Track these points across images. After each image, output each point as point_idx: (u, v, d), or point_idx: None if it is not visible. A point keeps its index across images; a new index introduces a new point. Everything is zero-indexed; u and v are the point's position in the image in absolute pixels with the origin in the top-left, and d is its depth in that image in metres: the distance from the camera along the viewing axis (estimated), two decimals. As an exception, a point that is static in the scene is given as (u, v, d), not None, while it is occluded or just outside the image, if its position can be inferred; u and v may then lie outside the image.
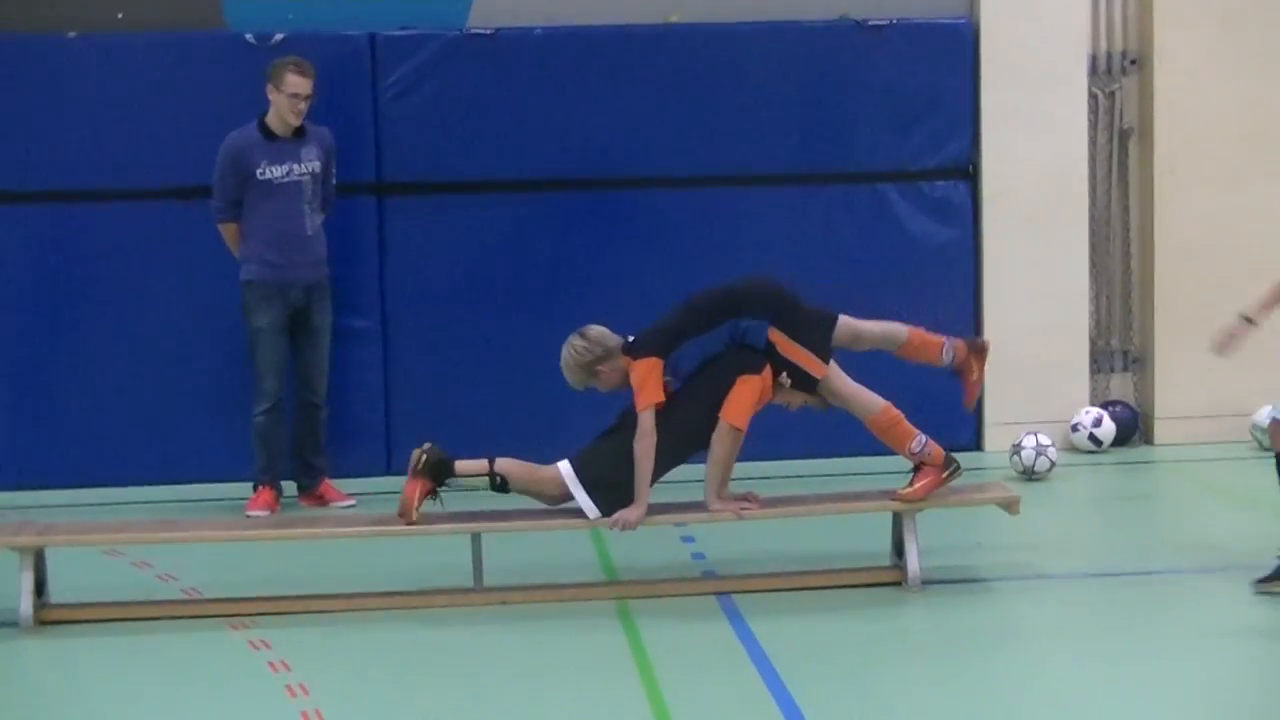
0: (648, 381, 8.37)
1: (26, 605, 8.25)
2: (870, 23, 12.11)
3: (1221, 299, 9.05)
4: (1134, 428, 12.31)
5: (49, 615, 8.36)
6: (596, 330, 8.60)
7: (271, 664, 7.57)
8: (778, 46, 12.14)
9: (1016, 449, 11.21)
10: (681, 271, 11.01)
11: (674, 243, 12.02)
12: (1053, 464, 11.21)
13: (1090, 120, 12.35)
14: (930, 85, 12.20)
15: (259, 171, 10.43)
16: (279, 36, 11.67)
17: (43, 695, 7.58)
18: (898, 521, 8.67)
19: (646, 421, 8.36)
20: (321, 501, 10.88)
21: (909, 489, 8.57)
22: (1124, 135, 12.47)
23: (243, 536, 9.46)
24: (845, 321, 8.64)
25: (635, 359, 8.43)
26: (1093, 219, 12.41)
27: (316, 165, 10.61)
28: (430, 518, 9.22)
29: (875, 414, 8.61)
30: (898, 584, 8.53)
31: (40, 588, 8.39)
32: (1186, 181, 11.91)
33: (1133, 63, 12.37)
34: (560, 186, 12.13)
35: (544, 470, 8.61)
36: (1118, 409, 12.24)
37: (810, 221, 12.14)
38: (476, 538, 8.67)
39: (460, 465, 8.62)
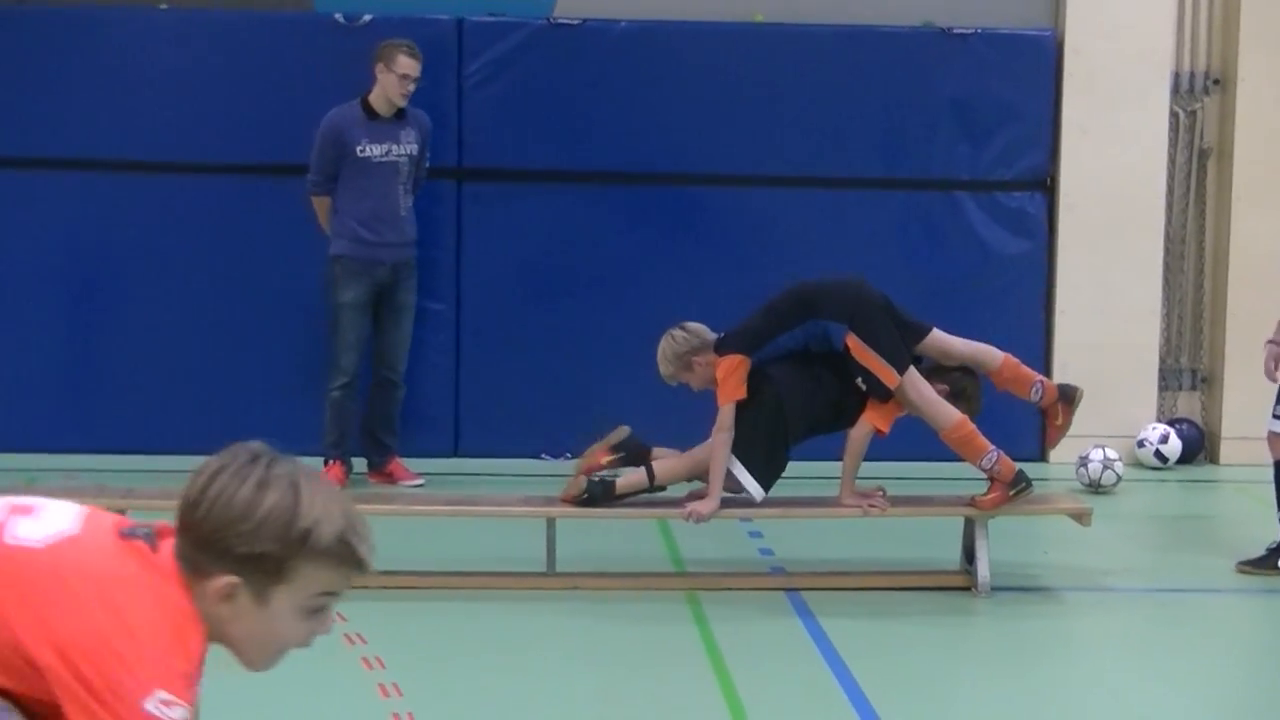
0: (730, 378, 8.41)
1: (105, 570, 8.36)
2: (954, 31, 12.07)
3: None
4: (1200, 446, 12.30)
5: (126, 578, 8.47)
6: (695, 325, 8.66)
7: (347, 636, 7.63)
8: (860, 50, 12.13)
9: (1083, 462, 11.20)
10: (751, 271, 11.05)
11: (745, 242, 12.01)
12: (1119, 478, 11.20)
13: (1170, 138, 12.31)
14: (1011, 96, 12.16)
15: (359, 149, 10.45)
16: (367, 18, 11.70)
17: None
18: (969, 527, 8.67)
19: (726, 417, 8.40)
20: (390, 479, 10.90)
21: (984, 497, 8.64)
22: (1203, 155, 12.45)
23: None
24: (937, 336, 8.67)
25: (721, 355, 8.50)
26: (1167, 237, 12.38)
27: (414, 148, 10.64)
28: (504, 501, 9.33)
29: (949, 428, 8.60)
30: (967, 589, 8.55)
31: (120, 550, 8.49)
32: (1263, 203, 11.91)
33: (1215, 83, 12.32)
34: (635, 180, 12.15)
35: (701, 454, 8.63)
36: (1184, 427, 12.24)
37: (885, 227, 12.12)
38: (550, 522, 8.72)
39: (620, 484, 8.69)
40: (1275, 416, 9.01)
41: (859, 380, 8.53)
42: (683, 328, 8.66)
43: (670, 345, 8.63)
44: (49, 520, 2.98)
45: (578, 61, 11.97)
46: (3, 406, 11.81)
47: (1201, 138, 12.38)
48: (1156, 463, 11.96)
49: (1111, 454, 11.25)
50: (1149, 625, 8.40)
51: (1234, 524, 10.08)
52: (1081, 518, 8.84)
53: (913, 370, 8.54)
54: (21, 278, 11.88)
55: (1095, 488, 11.09)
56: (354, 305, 10.69)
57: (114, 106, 11.81)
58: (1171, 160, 12.34)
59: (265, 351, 11.93)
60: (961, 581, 8.66)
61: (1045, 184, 12.27)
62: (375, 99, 10.55)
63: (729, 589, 8.69)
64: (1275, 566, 8.95)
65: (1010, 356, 8.87)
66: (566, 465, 11.08)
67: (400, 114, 10.61)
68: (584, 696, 7.02)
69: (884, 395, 8.52)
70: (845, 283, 8.74)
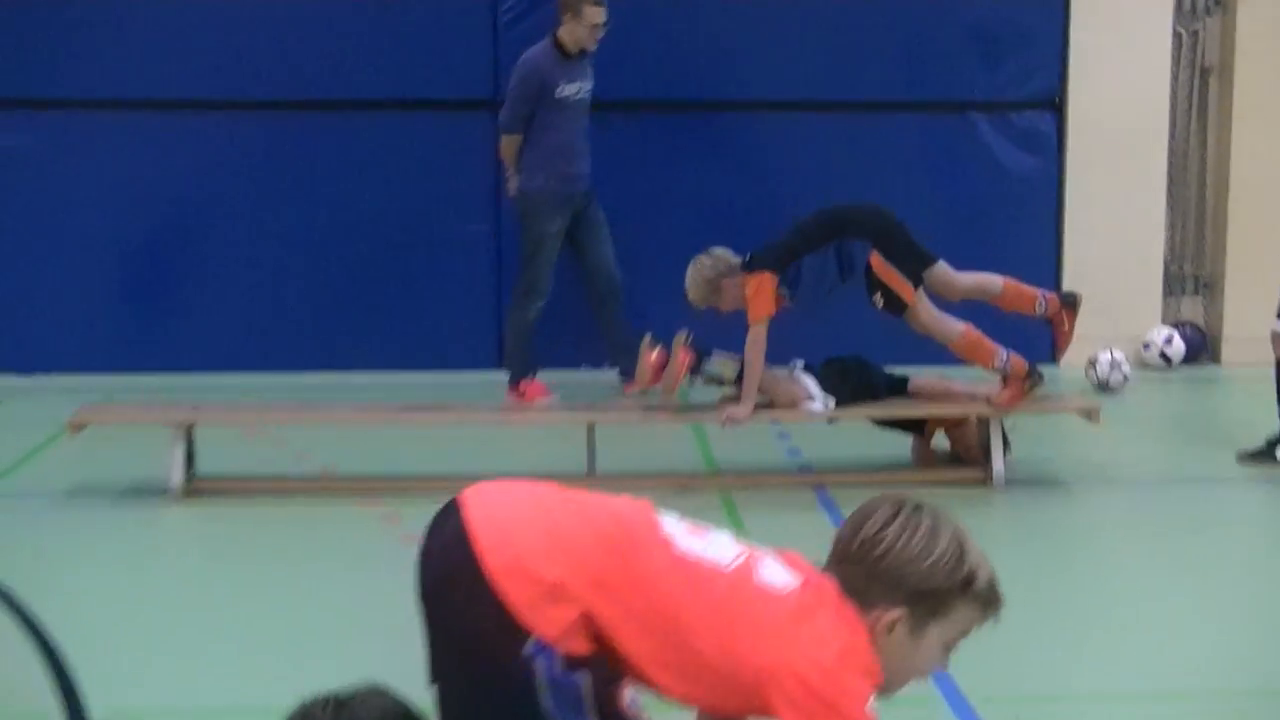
0: (760, 294, 8.46)
1: (177, 476, 8.45)
2: (969, -41, 12.12)
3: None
4: (1202, 348, 12.34)
5: (197, 486, 8.56)
6: (720, 250, 8.71)
7: (405, 537, 7.69)
8: (878, -25, 12.16)
9: (1092, 364, 11.24)
10: (774, 194, 11.14)
11: (767, 165, 11.98)
12: (1126, 379, 11.25)
13: (1174, 57, 12.29)
14: (1022, 19, 12.15)
15: (558, 89, 10.39)
16: None
17: (189, 557, 7.80)
18: (984, 425, 8.76)
19: (758, 331, 8.47)
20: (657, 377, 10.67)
21: (1000, 395, 8.68)
22: (1205, 73, 12.44)
23: (373, 419, 9.58)
24: (943, 266, 8.70)
25: (750, 274, 8.55)
26: (1171, 152, 12.37)
27: (592, 85, 10.64)
28: (549, 409, 9.41)
29: (957, 338, 8.69)
30: (983, 483, 8.62)
31: (190, 460, 8.61)
32: (1263, 119, 11.90)
33: (1216, 3, 12.28)
34: (663, 108, 12.11)
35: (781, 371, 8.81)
36: (1187, 330, 12.27)
37: (903, 147, 12.13)
38: (591, 428, 8.82)
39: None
40: (1279, 317, 9.04)
41: (876, 295, 8.60)
42: (709, 254, 8.73)
43: (698, 271, 8.69)
44: (721, 544, 3.16)
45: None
46: (80, 331, 11.93)
47: (1203, 57, 12.36)
48: (1162, 364, 12.01)
49: (1119, 356, 11.30)
50: (1156, 514, 8.44)
51: (1235, 419, 10.12)
52: (1092, 415, 8.91)
53: (922, 290, 8.62)
54: (104, 214, 11.94)
55: (1104, 388, 11.14)
56: (557, 234, 10.64)
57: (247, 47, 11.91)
58: (1175, 78, 12.32)
59: (319, 277, 12.07)
60: (978, 477, 8.73)
61: (1055, 104, 12.26)
62: (567, 39, 10.45)
63: (761, 487, 8.78)
64: (1274, 457, 9.05)
65: (1010, 280, 8.92)
66: (606, 374, 11.23)
67: (583, 52, 10.52)
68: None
69: (899, 309, 8.60)
70: (871, 206, 8.80)
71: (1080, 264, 12.16)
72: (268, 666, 5.91)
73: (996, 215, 12.12)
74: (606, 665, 3.04)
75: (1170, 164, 12.40)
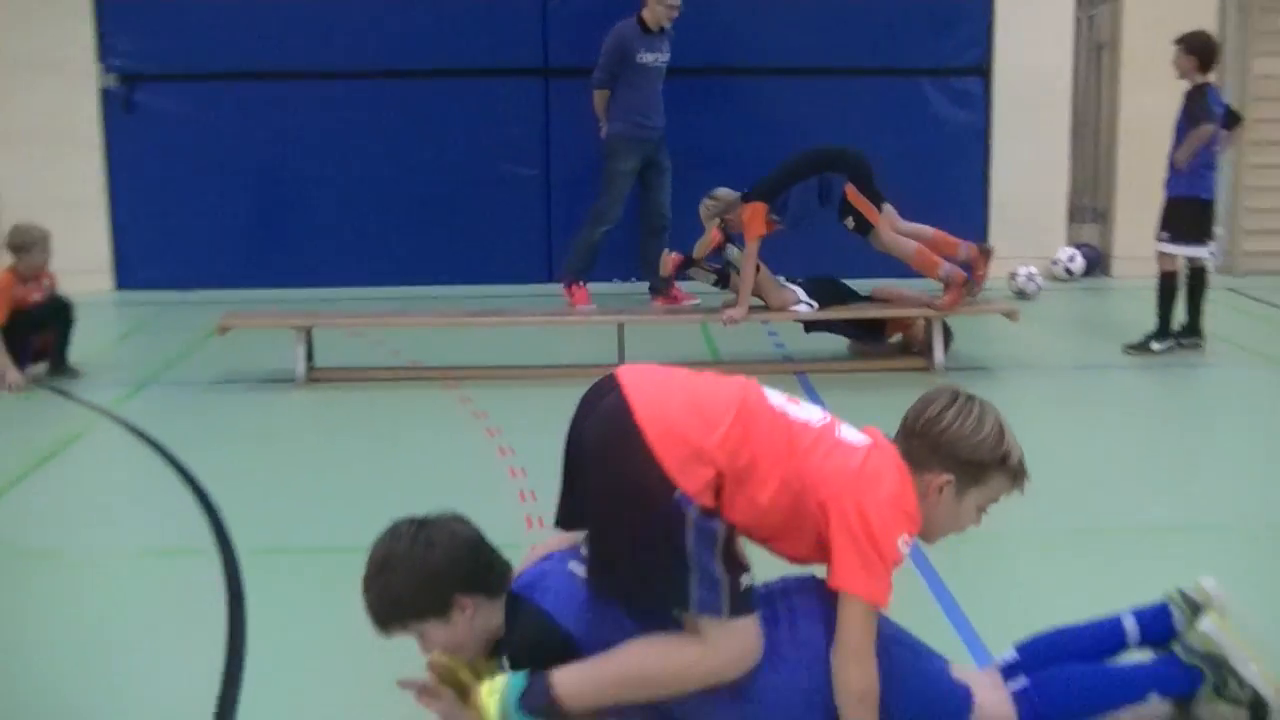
0: (754, 220, 8.42)
1: (300, 368, 8.49)
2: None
3: (1163, 172, 9.06)
4: (1098, 263, 12.29)
5: (315, 376, 8.58)
6: (721, 190, 8.73)
7: (475, 413, 7.73)
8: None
9: (1013, 276, 11.22)
10: (766, 142, 11.00)
11: (759, 119, 11.89)
12: (1039, 288, 11.23)
13: (1075, 35, 12.22)
14: (959, 2, 12.12)
15: (639, 57, 10.22)
16: None
17: (319, 429, 7.78)
18: (929, 324, 8.73)
19: (751, 248, 8.45)
20: (675, 300, 10.40)
21: (942, 300, 8.66)
22: (1099, 47, 12.35)
23: (450, 322, 9.55)
24: (888, 209, 8.63)
25: (745, 204, 8.50)
26: (1074, 109, 12.29)
27: (669, 54, 10.42)
28: (584, 313, 9.37)
29: (912, 255, 8.64)
30: (927, 370, 8.61)
31: (309, 356, 8.62)
32: (1144, 85, 11.77)
33: (1109, -8, 12.22)
34: (684, 73, 11.79)
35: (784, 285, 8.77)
36: (1087, 249, 12.22)
37: (862, 106, 12.03)
38: (620, 327, 8.81)
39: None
40: (1159, 240, 9.00)
41: (848, 219, 8.54)
42: (711, 195, 8.78)
43: (705, 209, 8.79)
44: (810, 410, 3.22)
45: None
46: (224, 256, 11.96)
47: (1098, 34, 12.28)
48: (1066, 276, 12.00)
49: (1034, 270, 11.29)
50: (1063, 391, 8.41)
51: (1123, 320, 10.06)
52: (1012, 316, 8.88)
53: (883, 217, 8.54)
54: (240, 164, 11.99)
55: (1022, 295, 11.12)
56: (631, 172, 10.45)
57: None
58: (1077, 52, 12.24)
59: (404, 211, 12.04)
60: (923, 365, 8.71)
61: (983, 70, 12.18)
62: (647, 17, 10.27)
63: (754, 372, 8.70)
64: (1149, 348, 9.09)
65: (939, 230, 8.83)
66: (636, 285, 11.18)
67: (662, 29, 10.33)
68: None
69: (866, 231, 8.54)
70: (849, 147, 8.73)
71: (1003, 197, 12.13)
72: (371, 512, 5.89)
73: (938, 160, 12.08)
74: (723, 519, 3.05)
75: (1073, 119, 12.32)
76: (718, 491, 3.03)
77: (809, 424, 3.16)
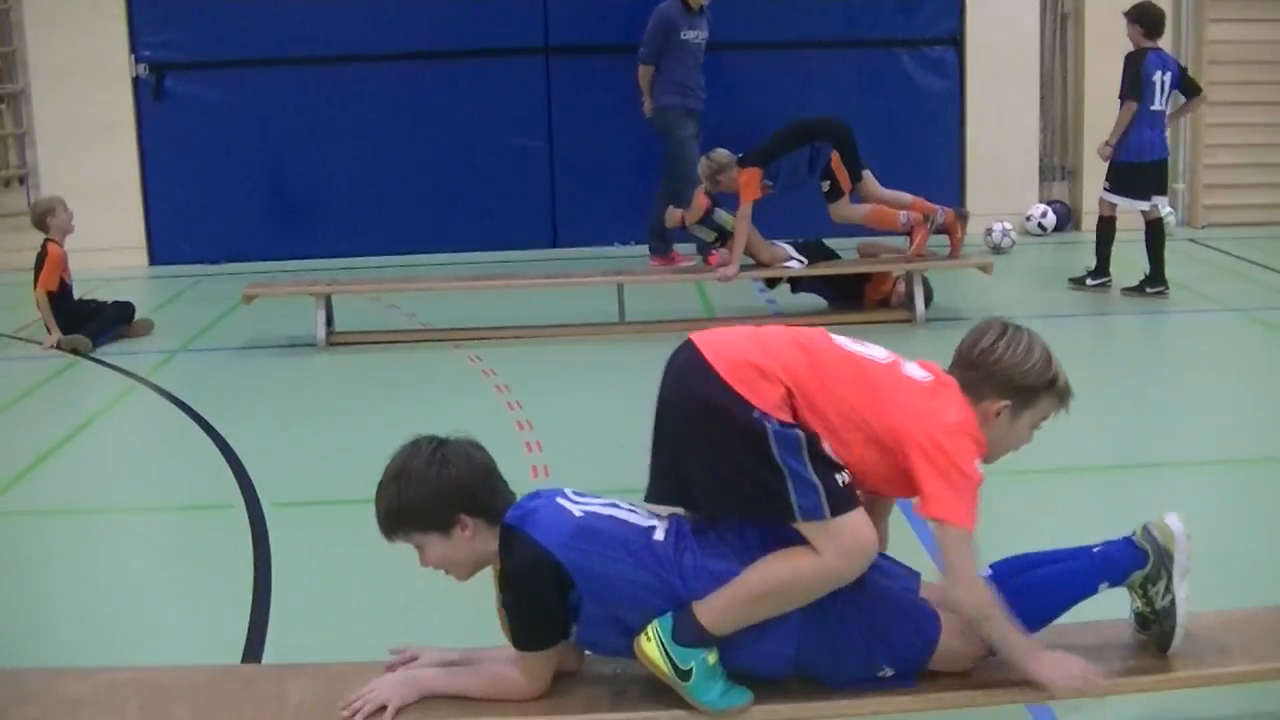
0: (749, 185, 8.39)
1: (320, 333, 8.46)
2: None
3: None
4: (1068, 219, 12.20)
5: (335, 339, 8.55)
6: (719, 151, 8.66)
7: (484, 371, 7.73)
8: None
9: (988, 232, 11.13)
10: (758, 111, 10.91)
11: (752, 91, 11.72)
12: (1014, 243, 11.15)
13: (1041, 5, 12.12)
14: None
15: (682, 34, 10.09)
16: None
17: (339, 389, 7.79)
18: (909, 278, 8.70)
19: (745, 209, 8.42)
20: (672, 262, 10.28)
21: (911, 247, 8.64)
22: (1064, 18, 12.25)
23: (460, 286, 9.55)
24: (868, 177, 8.67)
25: (742, 168, 8.47)
26: (1042, 75, 12.18)
27: (708, 33, 10.27)
28: (587, 274, 9.36)
29: (866, 215, 8.68)
30: (909, 321, 8.60)
31: (329, 321, 8.59)
32: (1106, 53, 11.61)
33: (1073, -34, 12.10)
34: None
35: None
36: (1057, 206, 12.12)
37: (845, 75, 11.93)
38: (620, 288, 8.80)
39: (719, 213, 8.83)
40: (1105, 190, 9.37)
41: (825, 183, 8.52)
42: (709, 156, 8.68)
43: (702, 167, 8.70)
44: (876, 350, 3.23)
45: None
46: (250, 230, 11.93)
47: (1063, 5, 12.18)
48: (1039, 231, 11.90)
49: (1008, 225, 11.21)
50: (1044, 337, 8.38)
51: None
52: (986, 269, 8.87)
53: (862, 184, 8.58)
54: (265, 145, 11.93)
55: (997, 250, 11.05)
56: (690, 137, 10.25)
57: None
58: (1043, 21, 12.14)
59: (416, 185, 11.96)
60: (906, 317, 8.68)
61: (956, 41, 12.07)
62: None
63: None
64: (1084, 284, 9.41)
65: (917, 198, 8.81)
66: (636, 249, 11.12)
67: (701, 8, 10.20)
68: (643, 404, 7.08)
69: (835, 197, 8.55)
70: (833, 118, 8.71)
71: (977, 159, 12.07)
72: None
73: (916, 125, 11.99)
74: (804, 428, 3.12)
75: (1041, 85, 12.22)
76: (794, 413, 3.10)
77: (875, 359, 3.20)
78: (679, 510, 3.25)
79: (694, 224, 8.92)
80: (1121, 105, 9.19)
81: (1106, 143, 9.35)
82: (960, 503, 3.06)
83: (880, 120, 11.48)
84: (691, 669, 3.07)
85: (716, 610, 3.07)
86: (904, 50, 12.06)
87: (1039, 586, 3.31)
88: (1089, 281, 9.46)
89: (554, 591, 3.05)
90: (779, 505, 3.03)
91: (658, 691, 3.13)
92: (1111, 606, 3.45)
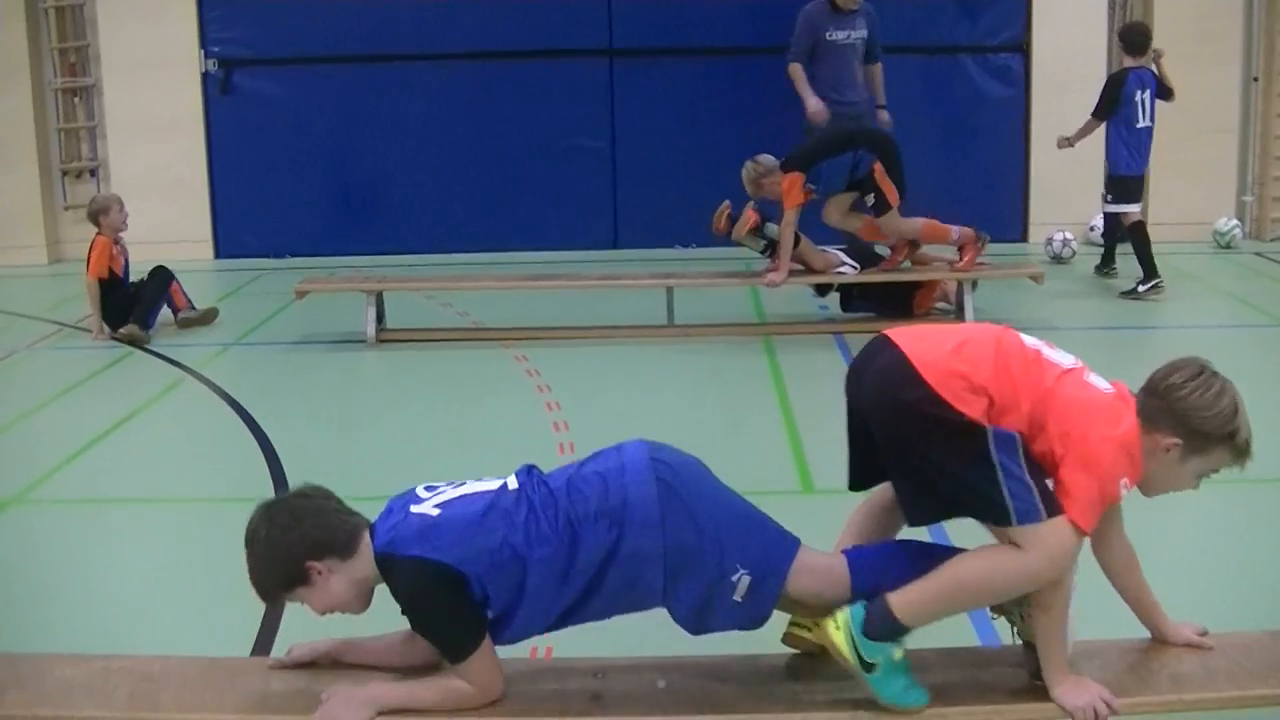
0: (793, 189, 8.35)
1: (370, 330, 8.52)
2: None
3: (1209, 143, 8.97)
4: (1130, 230, 12.08)
5: (385, 336, 8.61)
6: (764, 156, 8.58)
7: (529, 371, 7.76)
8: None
9: (1049, 241, 11.04)
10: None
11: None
12: (1075, 252, 11.03)
13: (1108, 15, 11.99)
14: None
15: (828, 34, 9.88)
16: None
17: (381, 387, 7.85)
18: (960, 287, 8.63)
19: (790, 215, 8.38)
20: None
21: (961, 262, 8.57)
22: (1129, 26, 12.15)
23: (503, 286, 9.57)
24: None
25: (785, 173, 8.42)
26: (1108, 83, 12.09)
27: (864, 33, 9.94)
28: (637, 275, 9.36)
29: (920, 228, 8.59)
30: (957, 328, 8.52)
31: (380, 318, 8.64)
32: (1172, 58, 11.45)
33: (1138, -21, 11.93)
34: (728, 53, 11.93)
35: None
36: (1120, 216, 12.02)
37: (911, 82, 11.78)
38: (670, 290, 8.77)
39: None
40: (1108, 201, 9.91)
41: (869, 197, 8.45)
42: (754, 159, 8.61)
43: (747, 171, 8.59)
44: (1063, 355, 3.24)
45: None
46: (309, 226, 12.05)
47: (1130, 14, 12.01)
48: (1100, 241, 11.73)
49: (1069, 235, 11.10)
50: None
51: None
52: (1037, 278, 8.78)
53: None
54: (325, 142, 12.06)
55: (1058, 259, 10.94)
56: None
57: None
58: (1109, 29, 11.98)
59: (478, 183, 12.03)
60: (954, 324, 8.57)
61: (1022, 48, 11.98)
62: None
63: (794, 333, 8.69)
64: (1136, 293, 9.52)
65: (929, 220, 8.66)
66: (697, 251, 11.10)
67: (852, 9, 9.95)
68: (687, 404, 7.09)
69: (882, 210, 8.45)
70: (878, 129, 8.67)
71: (1041, 168, 11.94)
72: (434, 461, 6.03)
73: (980, 132, 11.94)
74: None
75: (1107, 92, 12.06)
76: (990, 421, 3.12)
77: (1061, 364, 3.21)
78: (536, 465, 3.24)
79: (743, 236, 8.84)
80: (1090, 118, 9.74)
81: (1067, 139, 9.86)
82: (1088, 508, 3.07)
83: (943, 127, 11.44)
84: (877, 663, 3.09)
85: (913, 603, 3.09)
86: (968, 57, 11.97)
87: (904, 547, 3.28)
88: (1140, 289, 9.45)
89: (454, 593, 3.03)
90: (992, 505, 3.06)
91: (635, 696, 3.11)
92: (1123, 626, 3.41)
